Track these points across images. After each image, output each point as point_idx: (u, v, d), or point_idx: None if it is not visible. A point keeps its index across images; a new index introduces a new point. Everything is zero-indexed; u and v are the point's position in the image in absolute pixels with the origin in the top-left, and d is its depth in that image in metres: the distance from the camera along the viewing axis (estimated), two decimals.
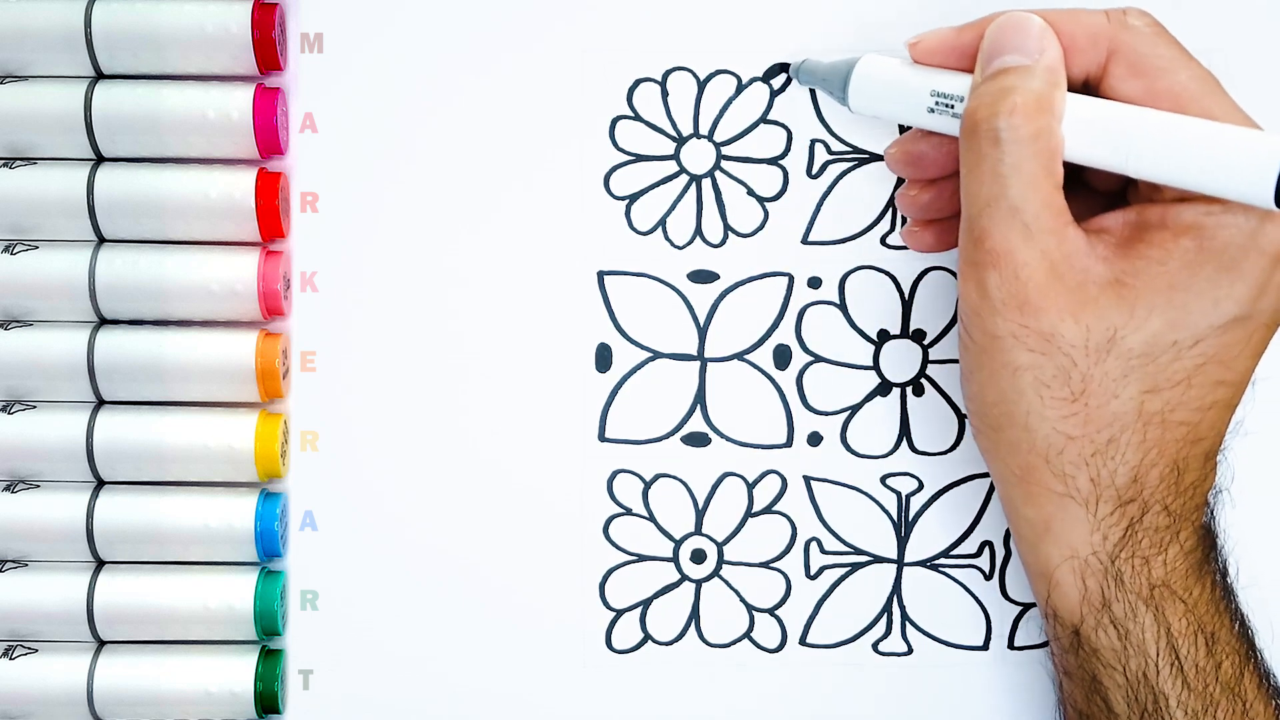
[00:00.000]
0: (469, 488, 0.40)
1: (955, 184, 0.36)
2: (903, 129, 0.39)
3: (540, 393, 0.40)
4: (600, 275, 0.40)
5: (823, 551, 0.41)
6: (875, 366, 0.41)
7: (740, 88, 0.40)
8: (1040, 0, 0.35)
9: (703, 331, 0.40)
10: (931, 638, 0.41)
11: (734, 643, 0.41)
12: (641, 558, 0.41)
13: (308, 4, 0.40)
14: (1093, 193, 0.35)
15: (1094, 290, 0.32)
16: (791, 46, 0.40)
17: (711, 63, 0.40)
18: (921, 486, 0.41)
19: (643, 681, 0.40)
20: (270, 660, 0.40)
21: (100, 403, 0.39)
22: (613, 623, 0.40)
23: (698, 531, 0.41)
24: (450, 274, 0.40)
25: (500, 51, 0.40)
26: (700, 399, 0.41)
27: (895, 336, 0.41)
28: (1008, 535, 0.40)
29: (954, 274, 0.40)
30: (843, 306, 0.41)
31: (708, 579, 0.41)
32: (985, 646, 0.40)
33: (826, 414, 0.41)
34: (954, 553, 0.41)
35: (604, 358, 0.41)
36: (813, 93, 0.40)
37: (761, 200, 0.40)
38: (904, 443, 0.40)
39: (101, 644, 0.39)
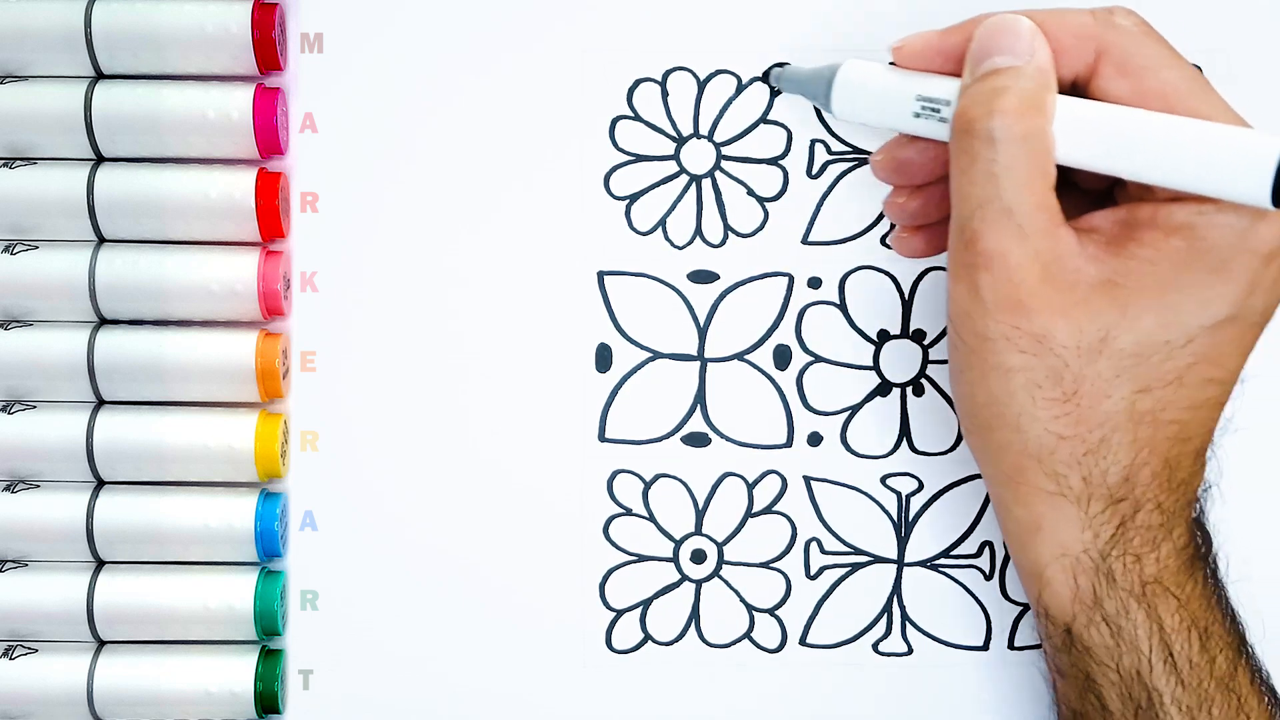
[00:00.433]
0: (469, 488, 0.40)
1: (943, 189, 0.36)
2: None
3: (540, 393, 0.40)
4: (600, 275, 0.40)
5: (823, 551, 0.41)
6: (875, 366, 0.41)
7: (740, 88, 0.40)
8: (1025, 1, 0.35)
9: (703, 331, 0.40)
10: (931, 638, 0.41)
11: (734, 643, 0.41)
12: (641, 558, 0.41)
13: (308, 4, 0.40)
14: (1079, 191, 0.35)
15: (1086, 291, 0.32)
16: (792, 46, 0.40)
17: (711, 63, 0.40)
18: (921, 486, 0.41)
19: (643, 681, 0.40)
20: (270, 660, 0.40)
21: (100, 403, 0.39)
22: (613, 623, 0.40)
23: (698, 531, 0.41)
24: (450, 274, 0.40)
25: (500, 51, 0.40)
26: (700, 399, 0.41)
27: (895, 336, 0.41)
28: None
29: None
30: (843, 306, 0.41)
31: (708, 579, 0.41)
32: (985, 646, 0.40)
33: (826, 414, 0.41)
34: (954, 553, 0.41)
35: (604, 358, 0.41)
36: None
37: (761, 200, 0.40)
38: (904, 443, 0.40)
39: (101, 644, 0.39)
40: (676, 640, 0.41)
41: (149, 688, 0.39)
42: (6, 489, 0.39)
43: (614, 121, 0.40)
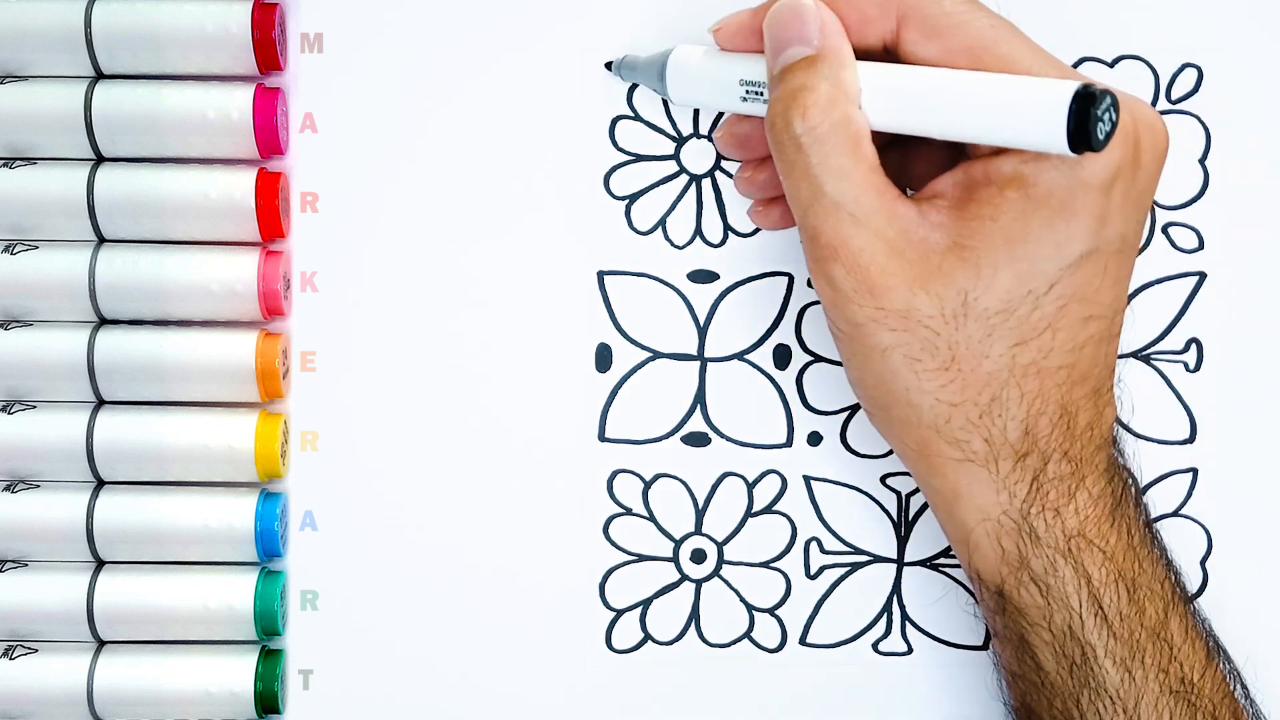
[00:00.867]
0: (469, 487, 0.40)
1: None
2: None
3: (540, 393, 0.40)
4: (600, 275, 0.40)
5: (823, 551, 0.41)
6: None
7: None
8: None
9: (703, 331, 0.40)
10: (931, 638, 0.41)
11: (734, 643, 0.41)
12: (641, 558, 0.41)
13: (308, 4, 0.40)
14: (936, 148, 0.35)
15: (936, 259, 0.32)
16: None
17: None
18: None
19: (643, 681, 0.40)
20: (270, 660, 0.40)
21: (100, 403, 0.39)
22: (613, 623, 0.40)
23: (698, 531, 0.41)
24: (450, 274, 0.40)
25: (500, 51, 0.40)
26: (700, 399, 0.41)
27: None
28: None
29: None
30: None
31: (708, 579, 0.41)
32: (985, 646, 0.40)
33: (826, 414, 0.41)
34: (953, 552, 0.40)
35: (604, 358, 0.41)
36: None
37: None
38: None
39: (101, 644, 0.39)
40: (676, 640, 0.41)
41: (149, 688, 0.39)
42: (6, 489, 0.39)
43: (614, 121, 0.40)
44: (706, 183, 0.40)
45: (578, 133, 0.40)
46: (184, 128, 0.38)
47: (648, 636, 0.41)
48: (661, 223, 0.40)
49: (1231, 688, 0.35)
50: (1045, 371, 0.32)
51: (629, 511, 0.41)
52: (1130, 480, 0.35)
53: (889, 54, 0.34)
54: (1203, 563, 0.40)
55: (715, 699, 0.40)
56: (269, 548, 0.39)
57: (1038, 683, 0.34)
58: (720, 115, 0.40)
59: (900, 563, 0.41)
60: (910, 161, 0.36)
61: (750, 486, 0.41)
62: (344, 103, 0.40)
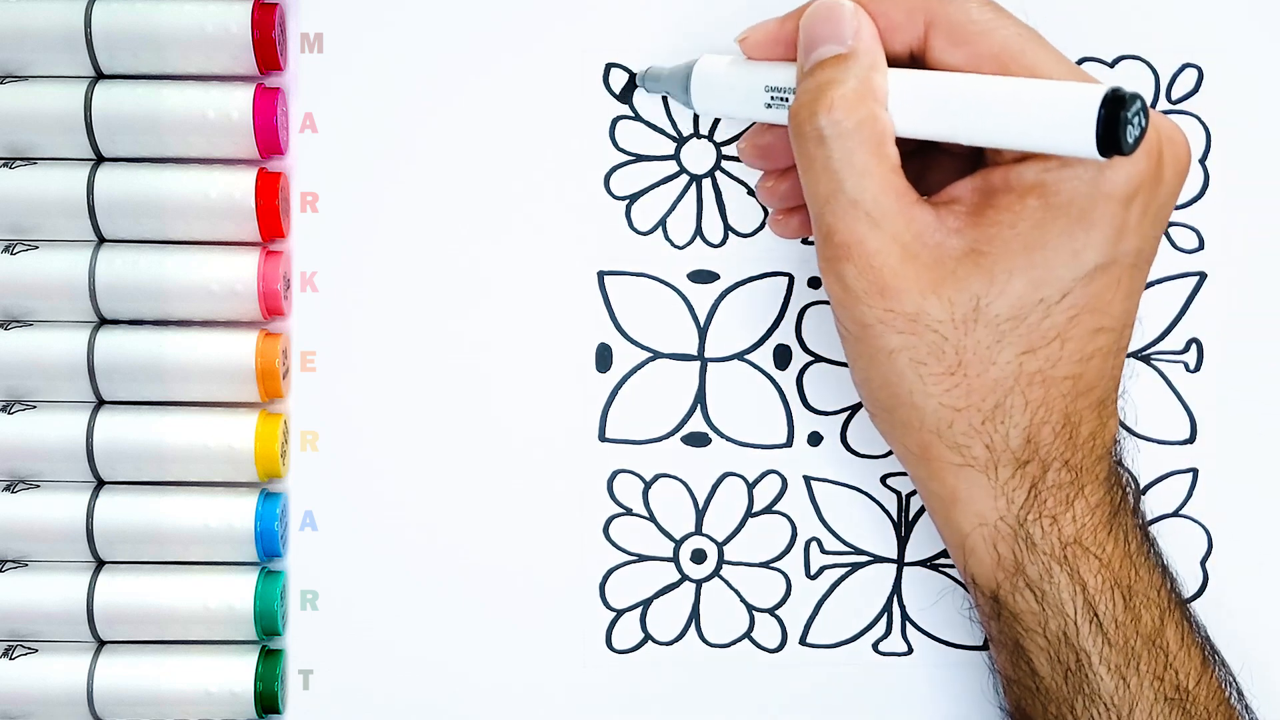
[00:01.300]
0: (469, 488, 0.40)
1: None
2: None
3: (540, 393, 0.40)
4: (600, 275, 0.40)
5: (823, 551, 0.41)
6: None
7: None
8: None
9: (703, 331, 0.40)
10: (931, 638, 0.41)
11: (734, 643, 0.41)
12: (641, 558, 0.41)
13: (308, 4, 0.40)
14: (952, 156, 0.35)
15: (951, 264, 0.32)
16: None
17: None
18: None
19: (643, 681, 0.40)
20: (270, 660, 0.40)
21: (100, 403, 0.39)
22: (613, 623, 0.40)
23: (698, 531, 0.41)
24: (450, 274, 0.40)
25: (500, 51, 0.40)
26: (700, 399, 0.41)
27: None
28: None
29: None
30: None
31: (708, 579, 0.41)
32: (985, 647, 0.40)
33: (826, 414, 0.41)
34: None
35: (604, 358, 0.41)
36: None
37: None
38: None
39: (101, 644, 0.39)
40: (676, 640, 0.41)
41: (149, 688, 0.39)
42: (6, 489, 0.39)
43: (614, 121, 0.40)
44: (707, 183, 0.40)
45: (578, 133, 0.40)
46: (184, 128, 0.38)
47: (648, 636, 0.41)
48: (662, 223, 0.40)
49: (1227, 695, 0.35)
50: (1051, 381, 0.32)
51: (629, 511, 0.41)
52: (1130, 489, 0.35)
53: (915, 61, 0.33)
54: (1203, 563, 0.40)
55: (715, 699, 0.40)
56: (269, 548, 0.39)
57: (1033, 688, 0.34)
58: (736, 134, 0.40)
59: (900, 563, 0.41)
60: (928, 171, 0.35)
61: (750, 486, 0.41)
62: (344, 103, 0.40)
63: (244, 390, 0.39)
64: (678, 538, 0.41)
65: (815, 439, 0.41)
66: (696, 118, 0.40)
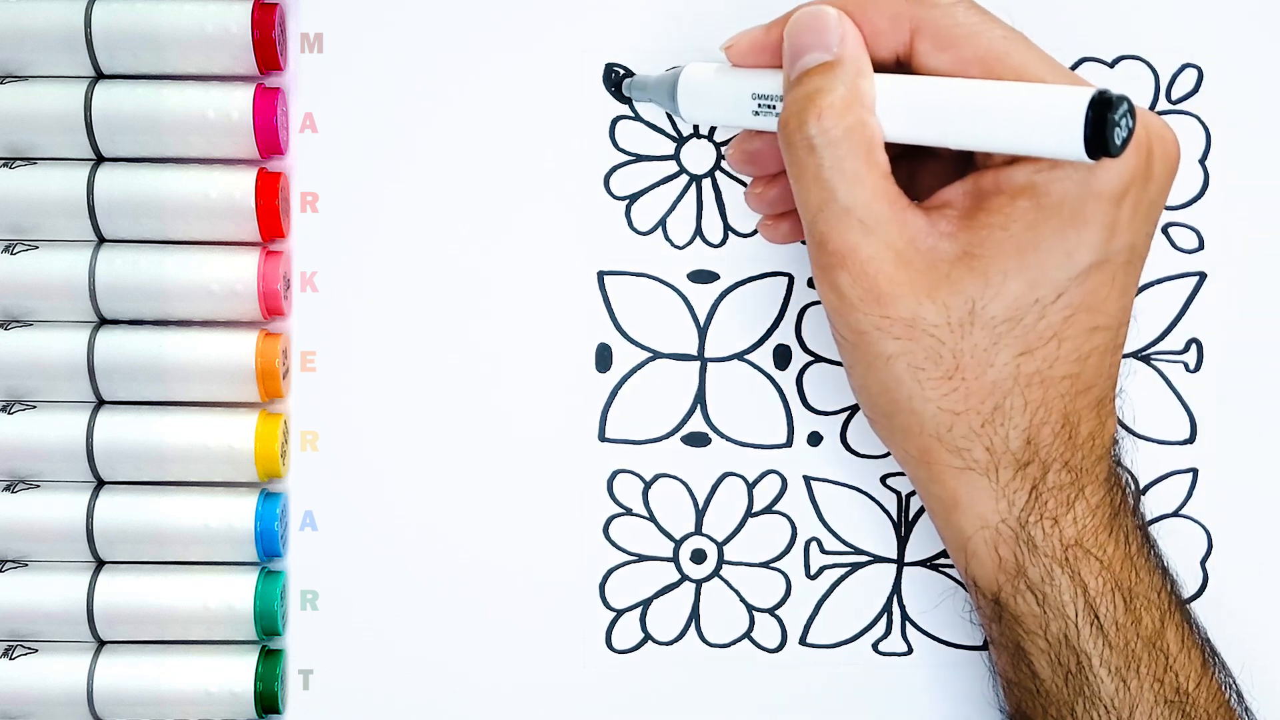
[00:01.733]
0: (469, 487, 0.40)
1: None
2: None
3: (540, 393, 0.40)
4: (600, 275, 0.40)
5: (823, 551, 0.41)
6: None
7: None
8: None
9: (703, 331, 0.40)
10: (931, 638, 0.41)
11: (734, 643, 0.41)
12: (641, 558, 0.41)
13: (308, 4, 0.40)
14: (941, 160, 0.35)
15: (944, 268, 0.32)
16: None
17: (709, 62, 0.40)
18: None
19: (643, 681, 0.40)
20: (270, 660, 0.40)
21: (100, 403, 0.39)
22: (613, 623, 0.40)
23: (698, 531, 0.41)
24: (450, 274, 0.40)
25: (500, 51, 0.40)
26: (700, 399, 0.41)
27: None
28: None
29: None
30: None
31: (708, 579, 0.41)
32: (985, 646, 0.40)
33: (826, 414, 0.41)
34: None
35: (604, 358, 0.41)
36: None
37: None
38: None
39: (101, 644, 0.39)
40: (676, 640, 0.41)
41: (149, 688, 0.39)
42: (6, 489, 0.39)
43: (614, 121, 0.40)
44: (707, 183, 0.40)
45: (578, 133, 0.40)
46: (184, 128, 0.38)
47: (648, 636, 0.41)
48: (662, 223, 0.40)
49: (1227, 697, 0.35)
50: (1049, 381, 0.32)
51: (629, 511, 0.41)
52: (1129, 489, 0.35)
53: (901, 66, 0.33)
54: (1203, 563, 0.40)
55: (715, 699, 0.40)
56: (269, 548, 0.39)
57: (1033, 690, 0.34)
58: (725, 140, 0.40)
59: (900, 563, 0.41)
60: (917, 175, 0.35)
61: (750, 487, 0.41)
62: (344, 103, 0.40)
63: (244, 390, 0.39)
64: (678, 538, 0.41)
65: (815, 439, 0.41)
66: None
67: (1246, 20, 0.40)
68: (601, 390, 0.40)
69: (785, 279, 0.40)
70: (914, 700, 0.40)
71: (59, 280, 0.39)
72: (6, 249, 0.39)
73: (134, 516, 0.39)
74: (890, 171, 0.32)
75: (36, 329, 0.39)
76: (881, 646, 0.41)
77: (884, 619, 0.41)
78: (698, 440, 0.41)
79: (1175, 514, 0.40)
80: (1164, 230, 0.40)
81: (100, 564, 0.39)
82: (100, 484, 0.39)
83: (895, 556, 0.41)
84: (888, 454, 0.41)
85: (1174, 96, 0.40)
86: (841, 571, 0.41)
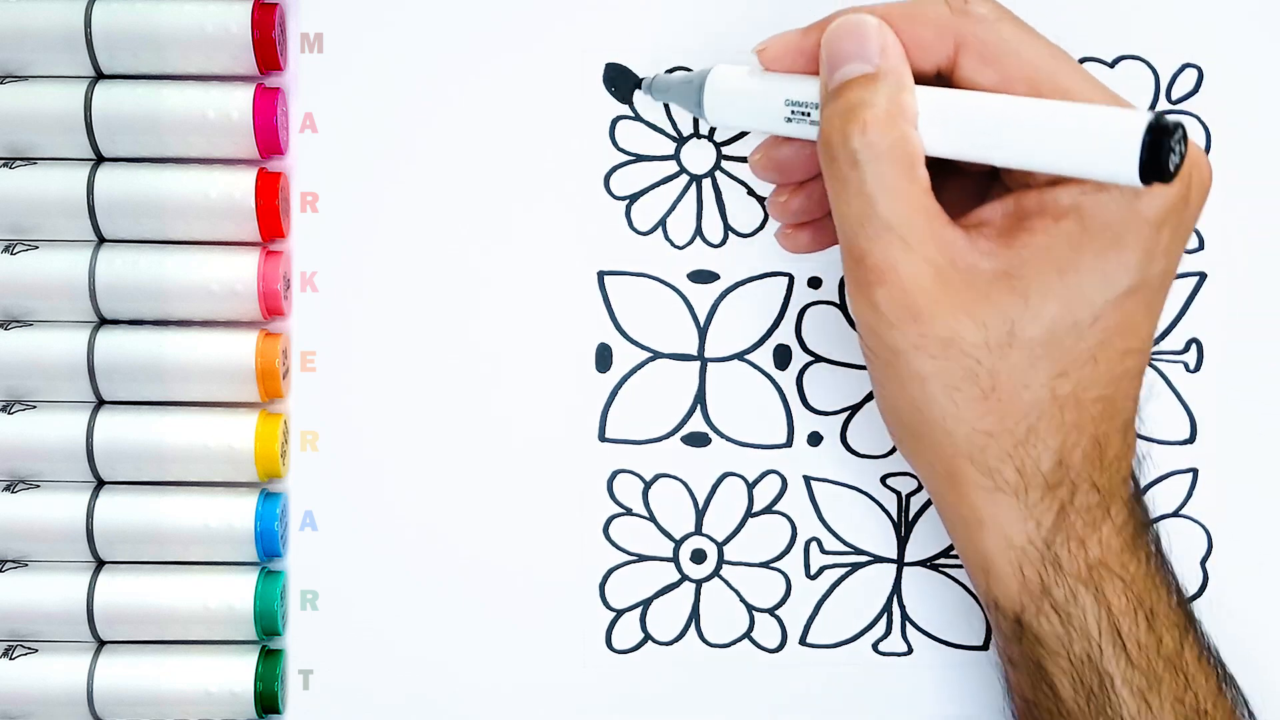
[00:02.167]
0: (469, 488, 0.40)
1: (823, 186, 0.35)
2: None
3: (540, 393, 0.40)
4: (600, 275, 0.40)
5: (823, 551, 0.41)
6: None
7: None
8: None
9: (703, 331, 0.40)
10: (931, 638, 0.41)
11: (734, 643, 0.41)
12: (641, 558, 0.41)
13: (308, 4, 0.40)
14: (967, 177, 0.35)
15: (984, 286, 0.32)
16: None
17: (711, 63, 0.40)
18: (921, 486, 0.41)
19: (643, 681, 0.40)
20: (270, 660, 0.40)
21: (100, 403, 0.39)
22: (613, 623, 0.40)
23: (698, 531, 0.41)
24: (450, 274, 0.40)
25: (500, 51, 0.40)
26: (700, 399, 0.41)
27: None
28: None
29: None
30: (843, 306, 0.41)
31: (708, 579, 0.41)
32: (985, 646, 0.40)
33: (826, 414, 0.41)
34: (954, 552, 0.40)
35: (604, 358, 0.41)
36: None
37: (761, 200, 0.40)
38: None
39: (101, 644, 0.39)
40: (676, 640, 0.41)
41: (149, 688, 0.39)
42: (6, 489, 0.39)
43: (614, 121, 0.40)
44: (707, 183, 0.40)
45: (578, 133, 0.40)
46: (184, 128, 0.38)
47: (648, 636, 0.41)
48: (662, 223, 0.40)
49: (1240, 715, 0.35)
50: (1083, 403, 0.32)
51: (629, 511, 0.41)
52: (1146, 512, 0.35)
53: (943, 80, 0.33)
54: (1203, 563, 0.40)
55: (715, 699, 0.40)
56: (269, 548, 0.39)
57: (1053, 710, 0.34)
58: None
59: (900, 563, 0.41)
60: (944, 190, 0.35)
61: (750, 486, 0.41)
62: (344, 103, 0.40)
63: (244, 390, 0.39)
64: (678, 538, 0.41)
65: (815, 439, 0.41)
66: (697, 118, 0.40)
67: (1246, 20, 0.40)
68: (601, 390, 0.40)
69: (785, 279, 0.40)
70: (914, 700, 0.40)
71: (59, 280, 0.39)
72: (6, 249, 0.39)
73: (134, 516, 0.39)
74: (930, 188, 0.32)
75: (36, 329, 0.39)
76: (881, 646, 0.41)
77: (884, 619, 0.41)
78: (698, 440, 0.41)
79: (1175, 514, 0.40)
80: None
81: (100, 564, 0.39)
82: (100, 484, 0.39)
83: (895, 556, 0.41)
84: (888, 454, 0.41)
85: (1174, 96, 0.40)
86: (841, 571, 0.41)
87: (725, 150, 0.40)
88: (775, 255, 0.40)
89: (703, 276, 0.41)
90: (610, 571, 0.40)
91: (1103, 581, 0.33)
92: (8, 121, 0.39)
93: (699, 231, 0.40)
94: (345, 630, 0.40)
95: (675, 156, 0.40)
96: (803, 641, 0.41)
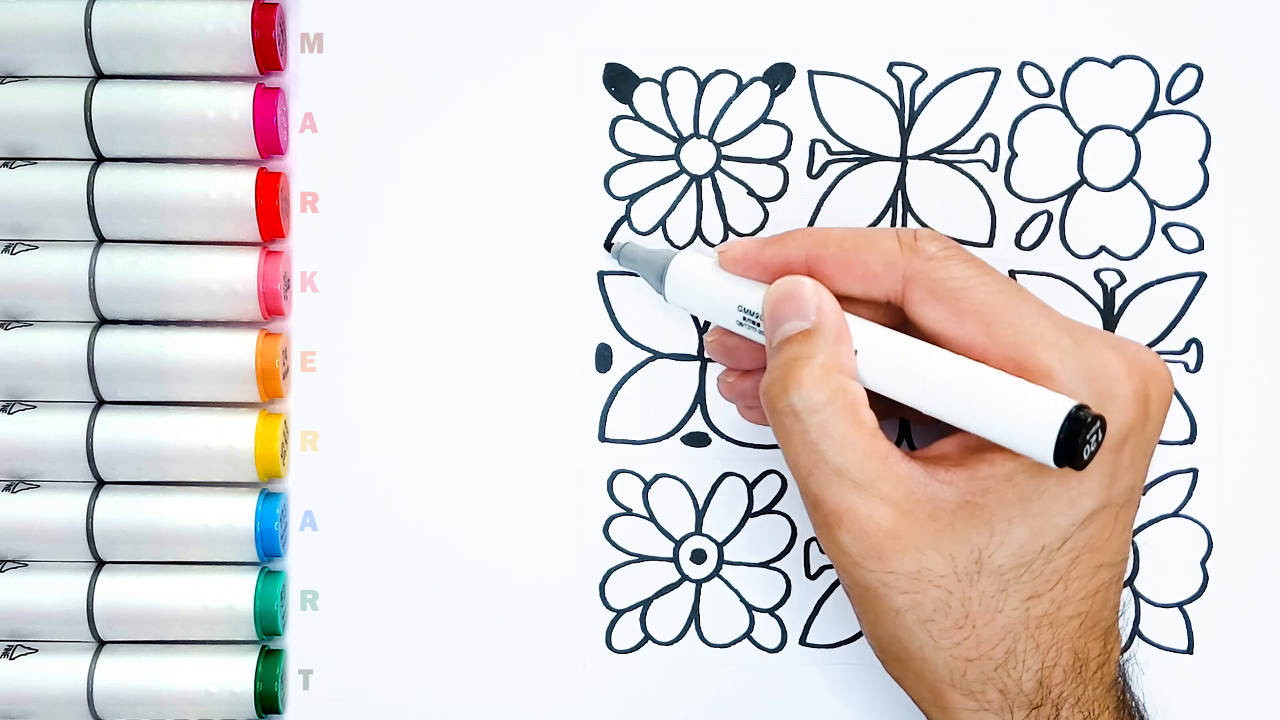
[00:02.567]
0: (469, 488, 0.40)
1: None
2: None
3: (540, 393, 0.40)
4: (600, 275, 0.40)
5: (822, 551, 0.41)
6: None
7: (740, 88, 0.40)
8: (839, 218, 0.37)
9: (702, 332, 0.40)
10: None
11: (734, 643, 0.41)
12: (641, 558, 0.41)
13: (308, 4, 0.40)
14: None
15: (947, 518, 0.32)
16: (791, 46, 0.40)
17: (711, 63, 0.40)
18: None
19: (643, 681, 0.40)
20: (270, 660, 0.40)
21: (100, 403, 0.39)
22: (613, 623, 0.40)
23: (698, 531, 0.41)
24: (450, 274, 0.40)
25: (500, 51, 0.40)
26: (700, 399, 0.41)
27: None
28: None
29: None
30: None
31: (708, 579, 0.41)
32: None
33: None
34: None
35: (604, 358, 0.41)
36: (813, 92, 0.40)
37: (761, 200, 0.40)
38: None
39: (101, 644, 0.39)
40: (676, 640, 0.41)
41: (149, 688, 0.39)
42: (6, 489, 0.39)
43: (614, 121, 0.40)
44: (707, 183, 0.40)
45: (578, 133, 0.40)
46: (184, 128, 0.38)
47: (648, 636, 0.41)
48: (661, 223, 0.40)
49: None
50: (1059, 622, 0.32)
51: (629, 511, 0.41)
52: (1138, 712, 0.35)
53: (894, 310, 0.34)
54: (1203, 563, 0.40)
55: (715, 699, 0.40)
56: (269, 548, 0.39)
57: None
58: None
59: None
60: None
61: (750, 486, 0.41)
62: (344, 103, 0.40)
63: (244, 390, 0.39)
64: (678, 538, 0.41)
65: None
66: (697, 118, 0.40)
67: (1246, 20, 0.40)
68: (601, 390, 0.40)
69: None
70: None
71: (59, 280, 0.39)
72: (6, 249, 0.39)
73: (134, 516, 0.39)
74: (879, 429, 0.32)
75: (36, 329, 0.39)
76: None
77: None
78: (698, 440, 0.41)
79: (1175, 514, 0.40)
80: (1164, 230, 0.40)
81: (100, 564, 0.39)
82: (100, 484, 0.39)
83: None
84: None
85: (1174, 96, 0.40)
86: None
87: (725, 150, 0.40)
88: None
89: None
90: (610, 571, 0.40)
91: None
92: (8, 121, 0.39)
93: (699, 231, 0.40)
94: (345, 630, 0.40)
95: (675, 156, 0.40)
96: (803, 641, 0.41)
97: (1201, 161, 0.40)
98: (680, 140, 0.40)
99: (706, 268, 0.37)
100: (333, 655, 0.40)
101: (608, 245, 0.40)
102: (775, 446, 0.41)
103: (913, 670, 0.33)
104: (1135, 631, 0.40)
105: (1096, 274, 0.40)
